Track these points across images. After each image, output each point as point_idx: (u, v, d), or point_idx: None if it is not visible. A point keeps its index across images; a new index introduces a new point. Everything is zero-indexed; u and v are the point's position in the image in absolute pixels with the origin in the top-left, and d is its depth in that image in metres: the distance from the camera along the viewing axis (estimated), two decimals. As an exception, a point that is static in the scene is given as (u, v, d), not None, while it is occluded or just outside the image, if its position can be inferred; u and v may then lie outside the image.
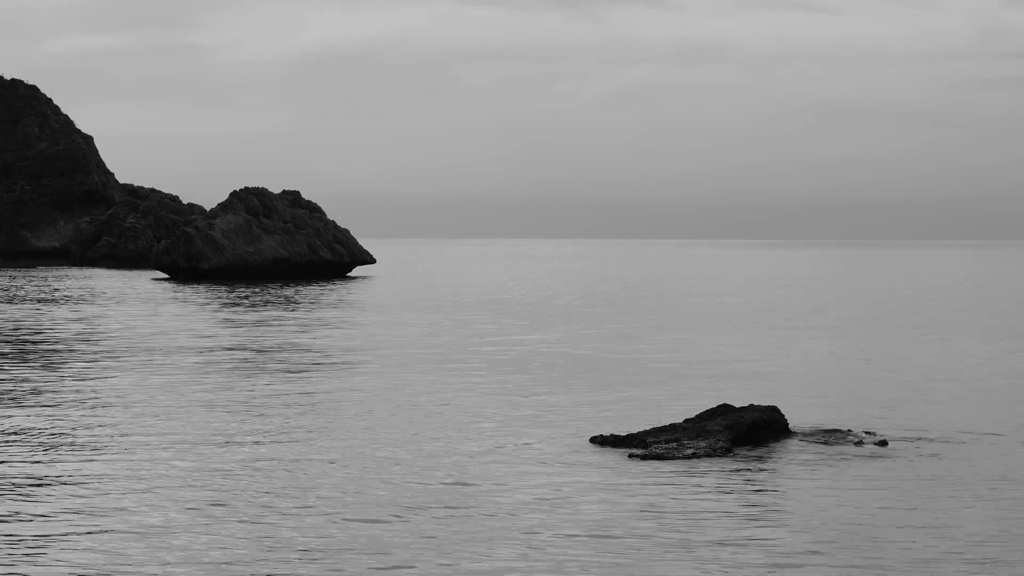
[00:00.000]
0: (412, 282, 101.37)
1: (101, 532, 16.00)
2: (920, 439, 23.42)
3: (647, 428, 23.22)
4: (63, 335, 46.55)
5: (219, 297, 73.10)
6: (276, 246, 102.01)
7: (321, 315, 57.85)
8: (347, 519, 16.68)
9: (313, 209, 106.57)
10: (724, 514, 17.15)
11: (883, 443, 22.67)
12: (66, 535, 15.84)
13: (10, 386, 30.93)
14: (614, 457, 21.37)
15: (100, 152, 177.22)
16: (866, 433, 23.62)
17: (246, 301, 68.84)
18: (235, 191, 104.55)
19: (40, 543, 15.47)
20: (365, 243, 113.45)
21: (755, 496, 18.37)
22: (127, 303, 67.07)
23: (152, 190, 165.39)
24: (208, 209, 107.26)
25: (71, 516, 16.84)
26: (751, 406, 23.28)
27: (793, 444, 22.72)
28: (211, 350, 40.73)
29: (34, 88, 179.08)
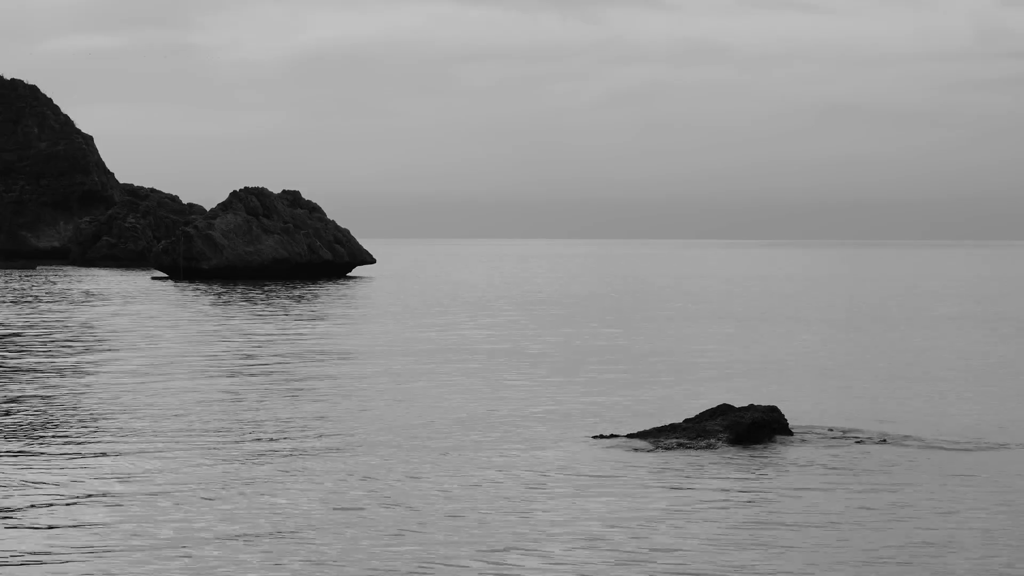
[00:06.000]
0: (415, 282, 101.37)
1: (101, 541, 16.02)
2: (920, 438, 23.44)
3: (647, 428, 23.24)
4: (63, 335, 46.56)
5: (218, 297, 73.12)
6: (276, 246, 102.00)
7: (321, 315, 57.86)
8: (346, 517, 16.70)
9: (313, 209, 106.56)
10: (723, 514, 17.17)
11: (883, 442, 22.68)
12: (64, 543, 15.87)
13: (9, 386, 30.93)
14: (614, 456, 21.39)
15: (100, 152, 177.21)
16: (867, 433, 23.63)
17: (245, 301, 68.86)
18: (235, 191, 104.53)
19: (38, 553, 15.49)
20: (365, 243, 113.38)
21: (754, 496, 18.38)
22: (127, 303, 67.08)
23: (152, 190, 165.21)
24: (208, 209, 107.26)
25: (71, 521, 16.86)
26: (751, 406, 23.30)
27: (793, 444, 22.73)
28: (210, 350, 40.74)
29: (34, 88, 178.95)
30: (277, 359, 37.86)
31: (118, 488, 18.61)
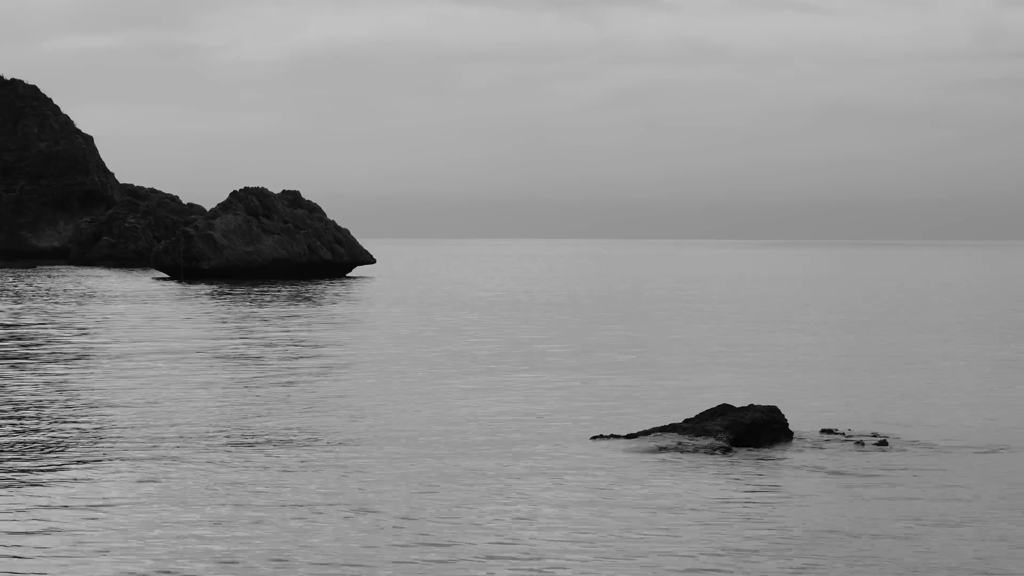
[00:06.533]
0: (415, 283, 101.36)
1: (100, 539, 16.04)
2: (920, 440, 23.44)
3: (647, 428, 23.24)
4: (63, 335, 46.56)
5: (219, 297, 73.12)
6: (276, 246, 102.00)
7: (321, 315, 57.86)
8: (343, 515, 16.71)
9: (313, 209, 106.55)
10: (723, 514, 17.18)
11: (883, 443, 22.69)
12: (62, 544, 15.88)
13: (9, 387, 30.93)
14: (614, 457, 21.39)
15: (100, 152, 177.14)
16: (866, 433, 23.63)
17: (246, 302, 68.85)
18: (235, 191, 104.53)
19: (36, 553, 15.51)
20: (365, 243, 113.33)
21: (754, 497, 18.39)
22: (127, 303, 67.08)
23: (152, 190, 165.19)
24: (208, 209, 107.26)
25: (69, 522, 16.88)
26: (751, 406, 23.30)
27: (793, 445, 22.74)
28: (210, 350, 40.75)
29: (34, 88, 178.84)
30: (277, 360, 37.87)
31: (117, 492, 18.62)
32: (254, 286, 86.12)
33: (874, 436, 23.35)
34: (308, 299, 71.26)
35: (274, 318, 55.42)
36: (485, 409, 27.27)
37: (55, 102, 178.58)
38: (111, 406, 27.38)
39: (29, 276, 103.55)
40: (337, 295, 76.15)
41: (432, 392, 30.18)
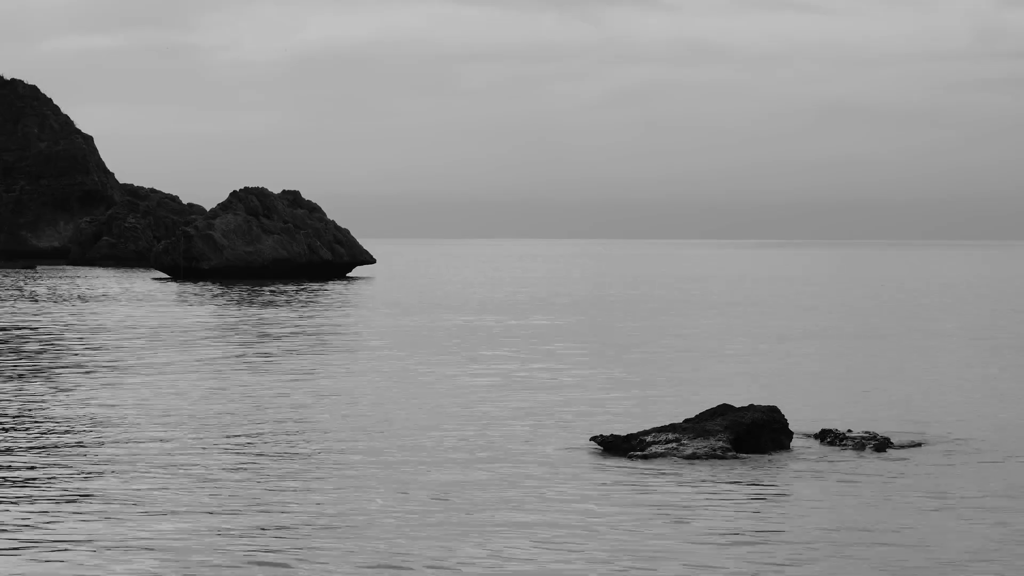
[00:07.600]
0: (415, 283, 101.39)
1: (100, 543, 16.01)
2: (921, 440, 23.40)
3: (647, 428, 23.20)
4: (64, 334, 46.54)
5: (218, 297, 73.12)
6: (276, 246, 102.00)
7: (320, 315, 57.86)
8: (339, 515, 16.67)
9: (313, 209, 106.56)
10: (723, 515, 17.14)
11: (884, 444, 22.64)
12: (60, 542, 15.86)
13: (9, 386, 30.90)
14: (614, 457, 21.37)
15: (100, 152, 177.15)
16: (866, 434, 23.58)
17: (245, 301, 68.86)
18: (235, 191, 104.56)
19: (34, 553, 15.48)
20: (365, 243, 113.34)
21: (754, 497, 18.36)
22: (127, 303, 67.08)
23: (152, 190, 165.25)
24: (208, 209, 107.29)
25: (68, 520, 16.85)
26: (751, 406, 23.24)
27: (793, 445, 22.70)
28: (208, 350, 40.73)
29: (34, 88, 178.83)
30: (275, 361, 37.85)
31: (115, 494, 18.59)
32: (254, 286, 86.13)
33: (874, 436, 23.29)
34: (308, 299, 71.25)
35: (274, 318, 55.40)
36: (482, 408, 27.22)
37: (55, 102, 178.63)
38: (107, 406, 27.34)
39: (29, 276, 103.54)
40: (337, 295, 76.15)
41: (431, 391, 30.14)
